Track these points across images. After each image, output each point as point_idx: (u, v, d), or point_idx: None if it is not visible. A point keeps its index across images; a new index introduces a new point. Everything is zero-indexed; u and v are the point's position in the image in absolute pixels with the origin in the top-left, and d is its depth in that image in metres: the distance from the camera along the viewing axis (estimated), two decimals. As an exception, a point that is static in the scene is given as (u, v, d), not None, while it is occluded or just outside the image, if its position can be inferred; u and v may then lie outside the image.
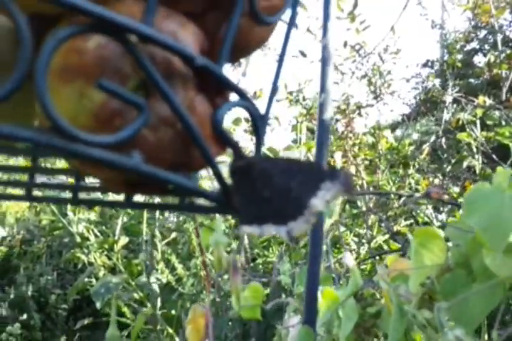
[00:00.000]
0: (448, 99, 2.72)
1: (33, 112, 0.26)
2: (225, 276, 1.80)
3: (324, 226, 0.84)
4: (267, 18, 0.28)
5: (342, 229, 2.00)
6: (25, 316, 2.65)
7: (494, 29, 2.52)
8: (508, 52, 2.76)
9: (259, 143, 0.27)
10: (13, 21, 0.19)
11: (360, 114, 2.48)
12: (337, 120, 2.43)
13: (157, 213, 2.38)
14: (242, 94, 0.25)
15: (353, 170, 2.25)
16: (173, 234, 2.24)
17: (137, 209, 2.01)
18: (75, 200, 0.31)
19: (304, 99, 2.57)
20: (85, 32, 0.21)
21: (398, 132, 3.33)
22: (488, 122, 2.20)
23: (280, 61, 0.30)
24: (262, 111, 0.27)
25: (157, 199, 1.28)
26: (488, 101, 2.26)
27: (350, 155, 2.27)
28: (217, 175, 0.23)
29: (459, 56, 3.28)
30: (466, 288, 0.54)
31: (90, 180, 0.33)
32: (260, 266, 2.20)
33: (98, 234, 2.07)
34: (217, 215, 0.80)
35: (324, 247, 1.00)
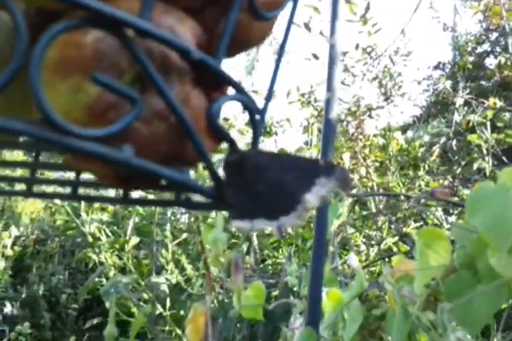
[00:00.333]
0: (459, 101, 2.71)
1: (30, 102, 0.26)
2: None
3: (331, 227, 0.84)
4: (266, 14, 0.28)
5: (351, 230, 1.99)
6: (35, 315, 2.66)
7: (505, 31, 2.51)
8: (520, 54, 2.74)
9: (256, 137, 0.27)
10: (10, 14, 0.19)
11: (370, 116, 2.47)
12: (348, 122, 2.43)
13: (169, 214, 2.39)
14: (238, 88, 0.25)
15: (363, 171, 2.25)
16: (184, 235, 2.24)
17: (134, 205, 2.01)
18: (74, 196, 0.31)
19: (316, 101, 2.58)
20: (80, 26, 0.21)
21: (409, 134, 3.32)
22: (499, 124, 2.19)
23: (280, 54, 0.30)
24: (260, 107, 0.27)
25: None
26: (499, 103, 2.25)
27: (361, 157, 2.26)
28: (211, 170, 0.23)
29: (470, 58, 3.28)
30: (471, 289, 0.54)
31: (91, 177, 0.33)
32: (269, 267, 2.19)
33: (110, 234, 2.08)
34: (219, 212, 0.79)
35: (331, 248, 0.99)
